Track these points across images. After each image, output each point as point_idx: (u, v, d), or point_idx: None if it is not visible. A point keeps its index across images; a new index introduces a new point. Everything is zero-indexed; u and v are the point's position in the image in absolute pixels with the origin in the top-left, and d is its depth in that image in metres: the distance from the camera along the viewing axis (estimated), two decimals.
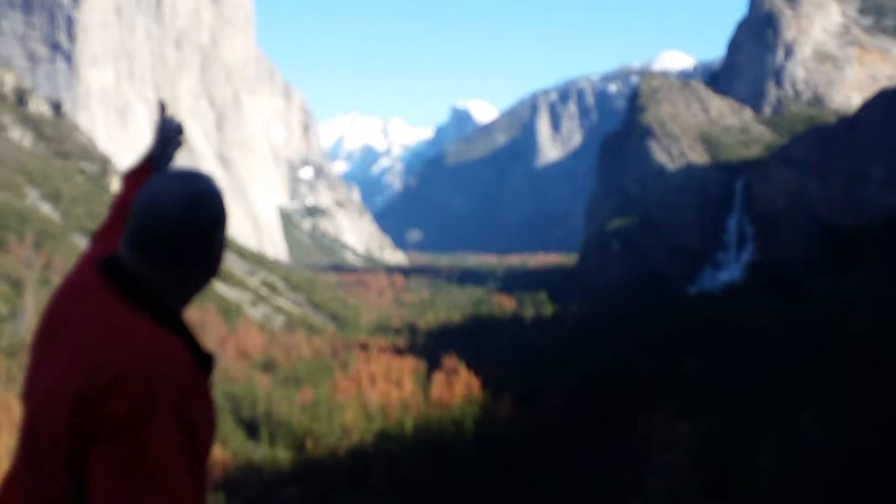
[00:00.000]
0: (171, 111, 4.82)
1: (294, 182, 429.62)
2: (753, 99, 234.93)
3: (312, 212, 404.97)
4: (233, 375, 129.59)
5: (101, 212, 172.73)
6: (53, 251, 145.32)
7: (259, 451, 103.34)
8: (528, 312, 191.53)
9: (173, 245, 3.69)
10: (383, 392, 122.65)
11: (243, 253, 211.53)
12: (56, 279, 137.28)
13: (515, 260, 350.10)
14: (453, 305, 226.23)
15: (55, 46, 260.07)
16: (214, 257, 3.91)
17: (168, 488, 3.28)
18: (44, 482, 3.52)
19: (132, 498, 3.23)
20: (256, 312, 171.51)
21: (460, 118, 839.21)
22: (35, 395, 3.66)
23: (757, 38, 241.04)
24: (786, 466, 64.81)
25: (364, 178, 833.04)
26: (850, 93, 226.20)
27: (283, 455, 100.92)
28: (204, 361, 3.79)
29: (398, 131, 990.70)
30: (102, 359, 3.42)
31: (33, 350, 3.81)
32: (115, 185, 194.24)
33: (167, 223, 3.64)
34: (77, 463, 3.38)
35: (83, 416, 3.34)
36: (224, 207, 3.89)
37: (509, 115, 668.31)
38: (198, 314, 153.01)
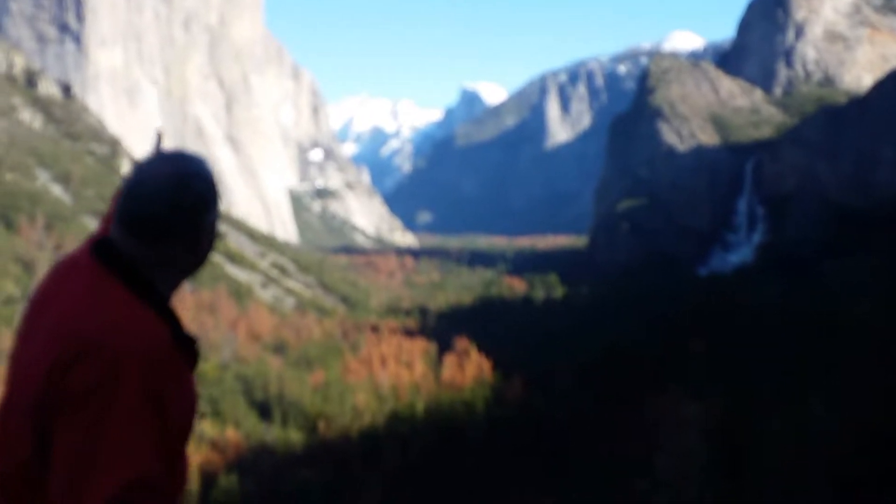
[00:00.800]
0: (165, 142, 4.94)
1: (303, 164, 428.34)
2: (764, 79, 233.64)
3: (322, 194, 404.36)
4: (244, 357, 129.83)
5: (111, 193, 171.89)
6: (64, 233, 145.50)
7: (271, 433, 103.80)
8: (539, 294, 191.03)
9: (161, 224, 3.74)
10: (394, 374, 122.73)
11: (253, 235, 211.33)
12: None
13: (525, 242, 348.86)
14: (463, 287, 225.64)
15: (64, 27, 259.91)
16: (204, 239, 3.94)
17: (127, 462, 3.26)
18: (11, 452, 3.55)
19: (89, 469, 3.22)
20: (267, 294, 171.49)
21: (470, 99, 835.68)
22: (16, 367, 3.72)
23: (767, 17, 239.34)
24: (796, 448, 65.00)
25: (373, 160, 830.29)
26: (860, 73, 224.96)
27: (295, 436, 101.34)
28: (186, 346, 3.83)
29: (407, 113, 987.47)
30: (76, 330, 3.46)
31: (21, 325, 3.91)
32: (125, 167, 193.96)
33: (155, 202, 3.69)
34: (44, 434, 3.39)
35: (51, 386, 3.37)
36: (214, 189, 3.93)
37: (518, 97, 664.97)
38: (209, 296, 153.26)
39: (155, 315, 3.63)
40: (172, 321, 3.73)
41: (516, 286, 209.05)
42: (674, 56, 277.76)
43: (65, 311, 3.59)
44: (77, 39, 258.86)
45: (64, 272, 3.85)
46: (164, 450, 3.47)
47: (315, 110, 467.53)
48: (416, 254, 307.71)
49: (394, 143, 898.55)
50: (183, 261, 3.90)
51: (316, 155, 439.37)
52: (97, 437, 3.27)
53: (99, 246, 3.78)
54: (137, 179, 3.73)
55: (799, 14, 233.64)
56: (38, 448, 3.42)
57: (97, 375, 3.33)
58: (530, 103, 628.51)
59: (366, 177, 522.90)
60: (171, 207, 3.69)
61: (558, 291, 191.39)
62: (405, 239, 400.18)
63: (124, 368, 3.35)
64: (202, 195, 3.79)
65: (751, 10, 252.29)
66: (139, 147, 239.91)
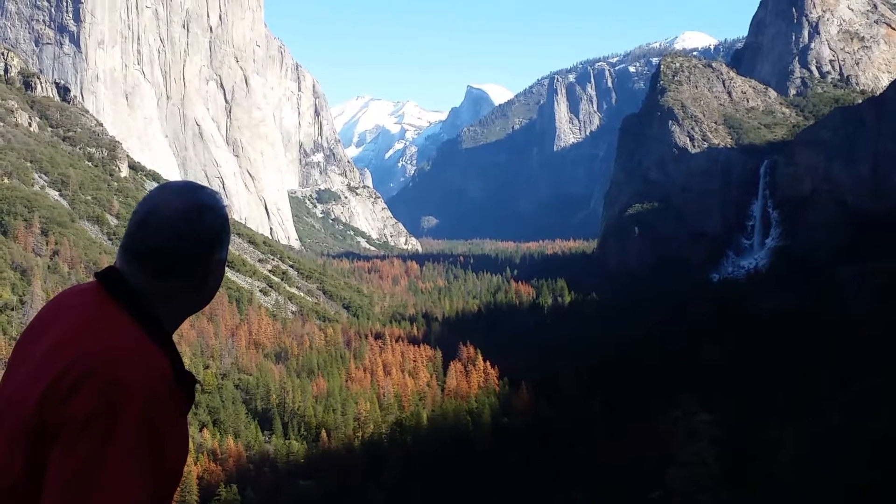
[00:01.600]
0: None
1: (305, 167, 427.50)
2: (777, 79, 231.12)
3: (324, 197, 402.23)
4: (245, 365, 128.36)
5: (108, 198, 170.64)
6: (61, 238, 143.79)
7: (272, 443, 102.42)
8: (547, 300, 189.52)
9: (170, 257, 3.66)
10: (398, 382, 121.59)
11: (254, 239, 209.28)
12: (64, 266, 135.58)
13: (533, 246, 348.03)
14: (469, 293, 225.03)
15: (62, 28, 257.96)
16: (211, 276, 3.78)
17: (123, 493, 3.22)
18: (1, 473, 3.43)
19: (85, 498, 3.18)
20: (268, 300, 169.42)
21: (476, 100, 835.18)
22: (7, 389, 3.60)
23: (780, 16, 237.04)
24: (809, 457, 62.77)
25: (377, 163, 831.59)
26: (877, 73, 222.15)
27: (296, 447, 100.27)
28: (185, 383, 3.66)
29: (412, 115, 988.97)
30: (75, 356, 3.40)
31: (15, 348, 3.74)
32: (123, 170, 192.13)
33: (166, 233, 3.64)
34: (36, 457, 3.34)
35: (48, 411, 3.32)
36: (227, 224, 3.82)
37: (526, 97, 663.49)
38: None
39: (157, 347, 3.57)
40: (173, 356, 3.66)
41: (524, 292, 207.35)
42: (685, 56, 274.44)
43: (65, 335, 3.54)
44: (75, 41, 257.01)
45: (67, 299, 3.80)
46: (158, 488, 3.40)
47: (317, 112, 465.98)
48: (420, 259, 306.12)
49: (398, 146, 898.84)
50: (188, 297, 3.79)
51: (318, 158, 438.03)
52: (94, 469, 3.22)
53: (105, 275, 3.72)
54: (148, 209, 3.70)
55: (813, 12, 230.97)
56: (29, 471, 3.36)
57: (98, 402, 3.28)
58: (538, 104, 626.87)
59: (369, 180, 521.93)
60: (181, 240, 3.67)
61: (567, 297, 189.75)
62: (410, 244, 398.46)
63: (127, 397, 3.30)
64: (215, 230, 3.76)
65: (763, 8, 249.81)
66: (138, 150, 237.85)
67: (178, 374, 3.57)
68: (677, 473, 66.60)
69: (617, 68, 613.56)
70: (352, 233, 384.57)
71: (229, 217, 3.81)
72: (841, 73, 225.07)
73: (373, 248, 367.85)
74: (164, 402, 3.40)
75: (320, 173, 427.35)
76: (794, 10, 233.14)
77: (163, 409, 3.38)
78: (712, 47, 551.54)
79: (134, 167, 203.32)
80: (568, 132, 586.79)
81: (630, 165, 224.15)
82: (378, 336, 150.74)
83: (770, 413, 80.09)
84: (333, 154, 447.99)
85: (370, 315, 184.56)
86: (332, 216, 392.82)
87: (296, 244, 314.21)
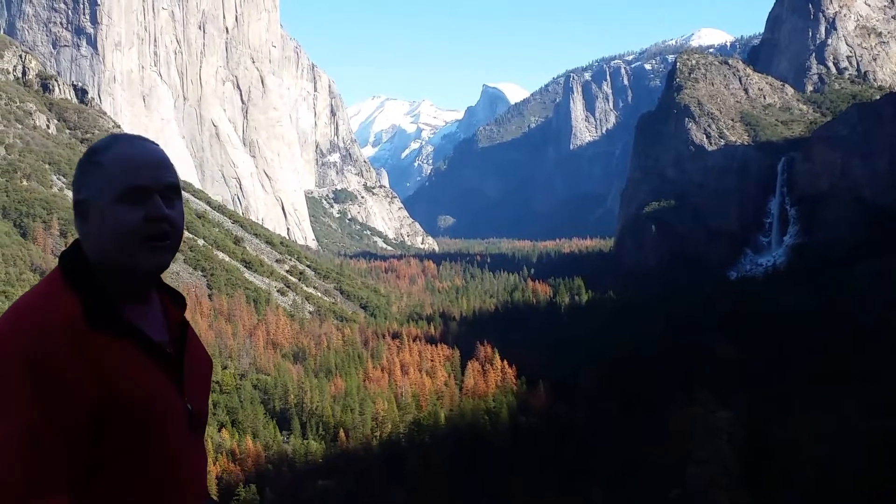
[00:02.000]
0: None
1: (322, 167, 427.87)
2: (794, 76, 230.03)
3: (341, 197, 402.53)
4: (263, 365, 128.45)
5: None
6: None
7: (291, 443, 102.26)
8: (564, 299, 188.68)
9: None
10: (416, 382, 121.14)
11: (271, 240, 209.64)
12: None
13: (550, 245, 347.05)
14: (487, 292, 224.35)
15: (79, 31, 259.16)
16: (82, 217, 3.64)
17: (10, 457, 3.14)
18: None
19: None
20: (285, 301, 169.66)
21: (492, 99, 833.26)
22: None
23: (797, 12, 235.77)
24: (826, 456, 62.63)
25: (393, 163, 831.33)
26: (895, 68, 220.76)
27: (315, 446, 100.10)
28: (110, 322, 3.51)
29: (428, 114, 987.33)
30: None
31: None
32: None
33: None
34: None
35: None
36: (83, 163, 3.75)
37: (542, 95, 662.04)
38: (227, 302, 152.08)
39: (72, 295, 3.49)
40: (94, 299, 3.52)
41: (541, 291, 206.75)
42: (701, 53, 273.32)
43: None
44: (92, 43, 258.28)
45: None
46: (61, 438, 3.24)
47: (333, 112, 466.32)
48: (437, 258, 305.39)
49: (414, 145, 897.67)
50: (84, 237, 3.66)
51: (334, 158, 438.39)
52: None
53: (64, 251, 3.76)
54: None
55: (830, 8, 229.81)
56: None
57: None
58: (554, 102, 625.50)
59: (385, 180, 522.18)
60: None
61: (584, 296, 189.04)
62: (426, 243, 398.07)
63: (9, 353, 3.28)
64: (81, 166, 3.78)
65: (780, 4, 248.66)
66: None
67: (102, 316, 3.46)
68: (696, 472, 66.72)
69: (633, 66, 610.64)
70: (368, 232, 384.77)
71: (91, 156, 3.70)
72: (858, 69, 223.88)
73: (389, 248, 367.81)
74: (60, 346, 3.27)
75: (337, 173, 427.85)
76: (810, 5, 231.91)
77: (59, 354, 3.26)
78: (728, 44, 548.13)
79: None
80: (584, 130, 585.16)
81: (646, 163, 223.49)
82: (395, 336, 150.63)
83: (788, 411, 79.78)
84: (350, 154, 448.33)
85: (387, 315, 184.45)
86: (349, 216, 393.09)
87: (313, 244, 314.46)
